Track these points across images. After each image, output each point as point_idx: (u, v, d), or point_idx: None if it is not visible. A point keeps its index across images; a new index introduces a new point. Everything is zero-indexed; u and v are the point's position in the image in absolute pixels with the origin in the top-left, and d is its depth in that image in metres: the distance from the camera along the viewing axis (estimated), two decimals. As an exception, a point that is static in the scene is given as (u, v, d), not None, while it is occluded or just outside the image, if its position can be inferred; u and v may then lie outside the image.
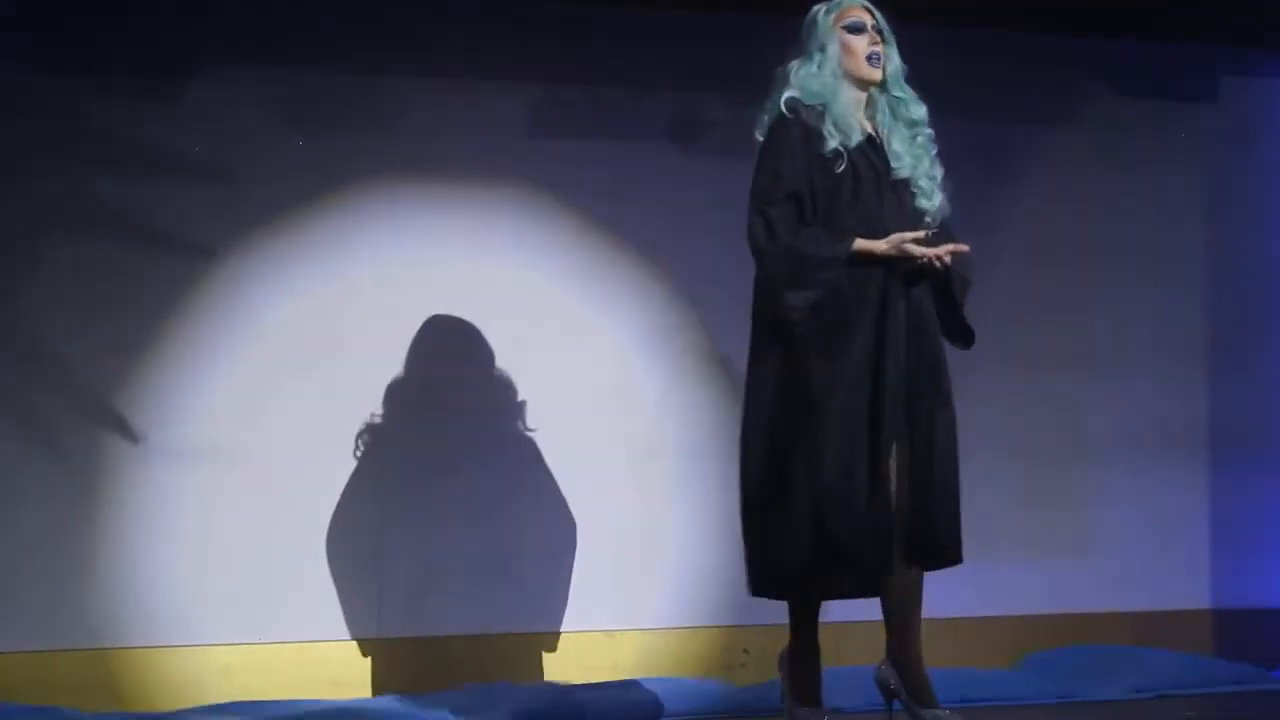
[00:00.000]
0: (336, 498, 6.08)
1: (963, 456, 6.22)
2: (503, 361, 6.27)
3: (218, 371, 6.03)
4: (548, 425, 6.28)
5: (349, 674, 6.01)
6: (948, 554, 4.90)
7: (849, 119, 4.93)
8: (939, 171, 5.03)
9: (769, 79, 6.16)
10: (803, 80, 4.97)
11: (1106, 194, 6.94)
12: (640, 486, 6.36)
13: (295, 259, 6.13)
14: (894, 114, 5.01)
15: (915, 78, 5.82)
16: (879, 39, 5.02)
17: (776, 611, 6.13)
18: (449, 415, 6.23)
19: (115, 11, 6.01)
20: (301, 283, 6.12)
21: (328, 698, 5.87)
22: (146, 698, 5.80)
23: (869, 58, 4.99)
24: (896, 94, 5.04)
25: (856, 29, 5.00)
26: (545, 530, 6.27)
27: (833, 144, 4.89)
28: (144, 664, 5.87)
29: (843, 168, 4.88)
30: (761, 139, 4.99)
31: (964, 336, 5.06)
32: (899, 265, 4.83)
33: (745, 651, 6.34)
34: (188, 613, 5.91)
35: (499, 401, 6.26)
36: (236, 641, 5.94)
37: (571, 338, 6.35)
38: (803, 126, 4.91)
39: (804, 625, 5.03)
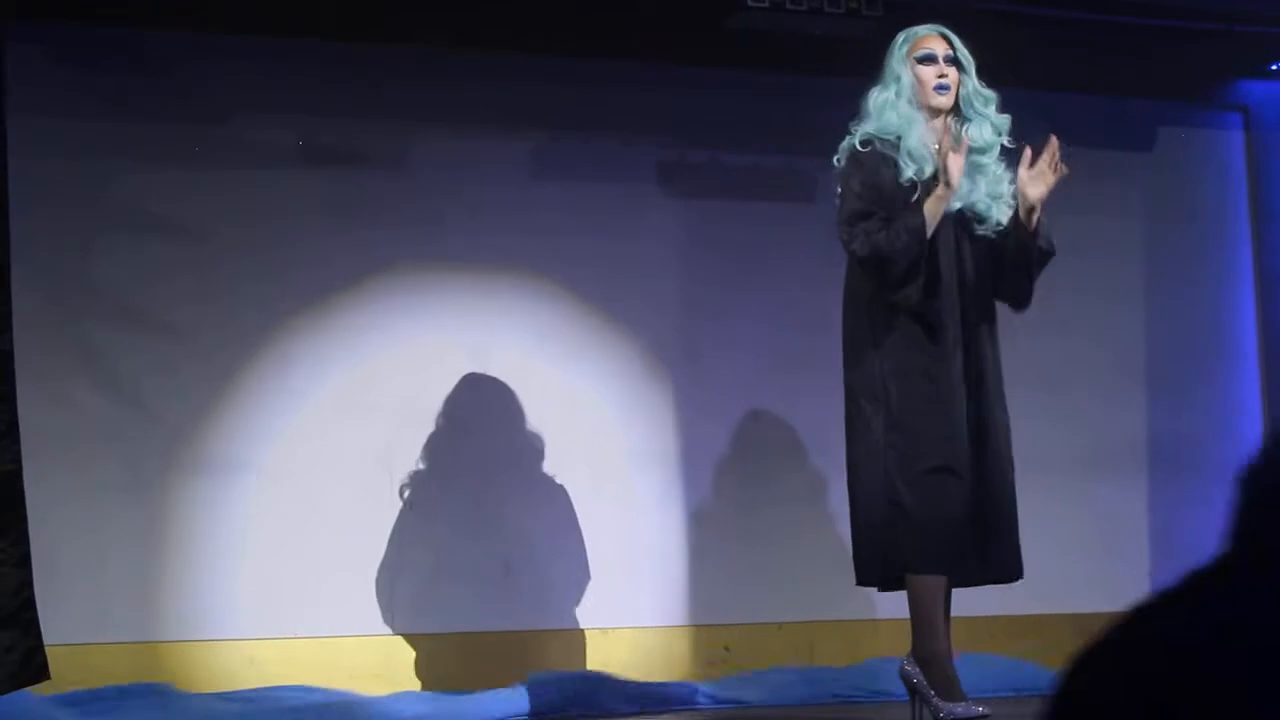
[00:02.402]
0: (359, 507, 6.39)
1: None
2: (509, 382, 6.60)
3: (255, 393, 6.37)
4: (549, 440, 6.62)
5: (366, 667, 6.26)
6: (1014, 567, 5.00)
7: (922, 150, 4.96)
8: (1003, 190, 5.06)
9: (753, 127, 6.61)
10: (879, 111, 5.03)
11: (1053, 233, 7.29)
12: (631, 494, 6.70)
13: (322, 297, 6.47)
14: (962, 139, 5.01)
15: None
16: (949, 68, 5.05)
17: (755, 612, 6.56)
18: (459, 433, 6.53)
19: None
20: (329, 317, 6.46)
21: (344, 688, 6.10)
22: (188, 687, 6.01)
23: (937, 86, 5.01)
24: (969, 117, 5.06)
25: (927, 60, 5.04)
26: (545, 536, 6.57)
27: (908, 173, 4.94)
28: (185, 656, 6.15)
29: (917, 196, 4.94)
30: (841, 166, 5.05)
31: (1023, 298, 5.16)
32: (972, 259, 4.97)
33: (726, 649, 6.67)
34: (223, 610, 6.21)
35: (503, 418, 6.58)
36: (265, 636, 6.22)
37: (571, 361, 6.69)
38: (878, 157, 4.97)
39: (927, 621, 4.94)
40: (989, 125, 5.07)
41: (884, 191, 4.97)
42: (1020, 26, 6.89)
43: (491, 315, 6.66)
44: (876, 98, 5.07)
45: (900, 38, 5.14)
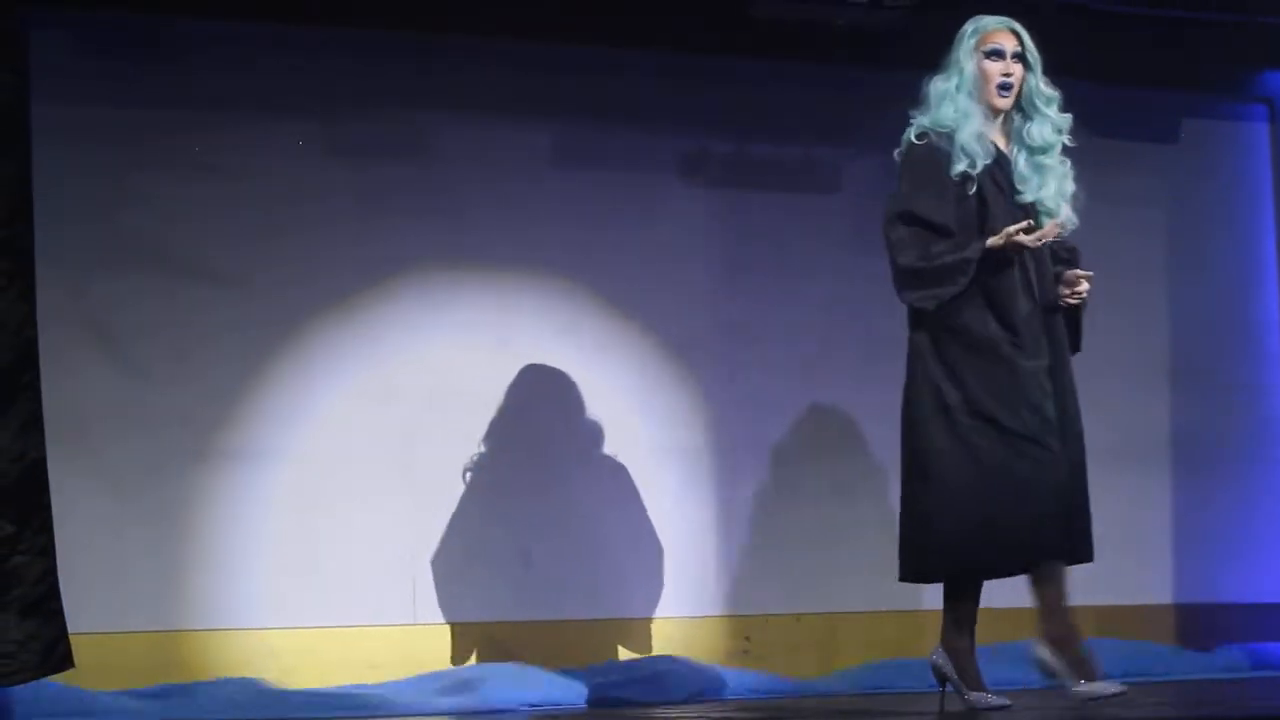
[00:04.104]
0: (377, 497, 6.41)
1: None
2: (531, 374, 6.62)
3: (271, 382, 6.38)
4: (568, 431, 6.64)
5: (385, 656, 6.27)
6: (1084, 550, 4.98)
7: (976, 144, 4.95)
8: (1070, 187, 5.09)
9: (776, 117, 6.62)
10: (937, 101, 5.02)
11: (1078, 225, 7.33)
12: (652, 486, 6.70)
13: (339, 284, 6.48)
14: (1022, 137, 5.04)
15: (892, 119, 6.22)
16: (1015, 66, 5.03)
17: (774, 602, 6.59)
18: (477, 423, 6.54)
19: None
20: (345, 304, 6.48)
21: (365, 680, 6.18)
22: (206, 674, 6.07)
23: (1000, 86, 5.00)
24: (1030, 116, 5.05)
25: (995, 55, 5.02)
26: (565, 527, 6.59)
27: (960, 168, 4.94)
28: (207, 644, 6.19)
29: (972, 190, 4.95)
30: (899, 159, 5.07)
31: (1076, 342, 5.16)
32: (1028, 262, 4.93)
33: (747, 639, 6.69)
34: (244, 599, 6.24)
35: (526, 410, 6.60)
36: (285, 625, 6.25)
37: (594, 353, 6.71)
38: (933, 150, 4.97)
39: (968, 615, 5.02)
40: (1050, 125, 5.06)
41: (939, 187, 4.96)
42: (1045, 17, 6.84)
43: (513, 306, 6.69)
44: (937, 87, 5.07)
45: (969, 28, 5.11)
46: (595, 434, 6.67)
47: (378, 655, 6.30)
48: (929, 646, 6.53)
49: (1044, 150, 5.04)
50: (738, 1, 6.52)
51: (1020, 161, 5.03)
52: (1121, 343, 7.24)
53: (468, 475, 6.53)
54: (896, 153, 5.08)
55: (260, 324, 6.39)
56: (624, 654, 6.54)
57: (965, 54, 5.05)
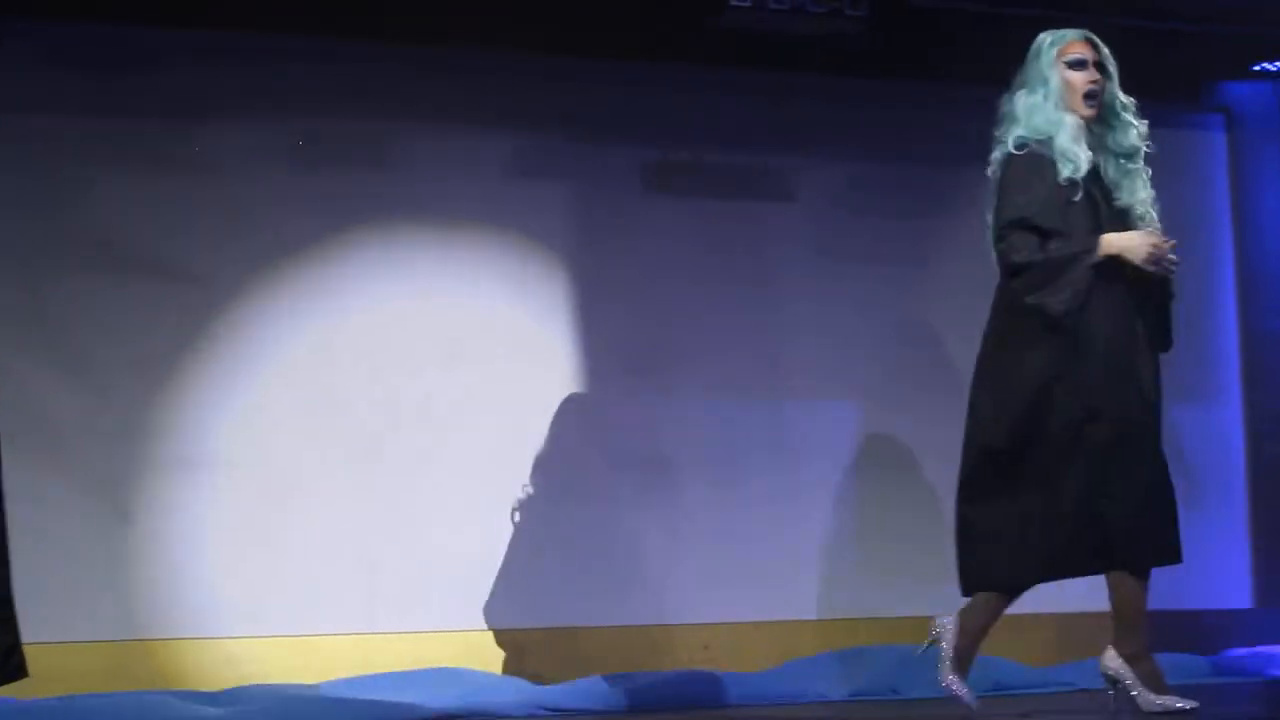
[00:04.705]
0: (333, 505, 6.39)
1: (904, 470, 6.72)
2: (488, 382, 6.61)
3: (226, 388, 6.35)
4: (525, 440, 6.63)
5: (342, 665, 6.22)
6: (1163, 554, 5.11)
7: (1074, 150, 5.05)
8: (1149, 193, 5.21)
9: (737, 127, 6.63)
10: (1028, 115, 5.11)
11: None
12: (611, 494, 6.70)
13: (297, 289, 6.46)
14: (1107, 143, 5.16)
15: (865, 128, 6.22)
16: (1098, 75, 5.15)
17: (734, 610, 6.59)
18: (433, 432, 6.54)
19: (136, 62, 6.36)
20: (302, 312, 6.46)
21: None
22: (163, 685, 6.03)
23: (1087, 95, 5.11)
24: (1112, 124, 5.17)
25: (1078, 65, 5.13)
26: (524, 535, 6.56)
27: (1067, 173, 5.03)
28: (160, 654, 6.15)
29: (1079, 195, 5.04)
30: (995, 175, 5.14)
31: (1166, 341, 5.27)
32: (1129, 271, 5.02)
33: (705, 648, 6.68)
34: (195, 608, 6.20)
35: (482, 419, 6.59)
36: (239, 635, 6.20)
37: (553, 362, 6.71)
38: (1036, 158, 5.05)
39: (998, 611, 5.14)
40: (1133, 130, 5.19)
41: (1046, 194, 5.04)
42: (1003, 27, 6.90)
43: (471, 315, 6.67)
44: (1024, 101, 5.15)
45: (1047, 40, 5.21)
46: (552, 443, 6.67)
47: (333, 663, 6.26)
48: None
49: (1130, 155, 5.17)
50: (698, 12, 6.52)
51: (1110, 168, 5.15)
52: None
53: (423, 484, 6.52)
54: (990, 169, 5.17)
55: (215, 331, 6.37)
56: (585, 663, 6.50)
57: (1047, 66, 5.15)
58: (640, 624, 6.69)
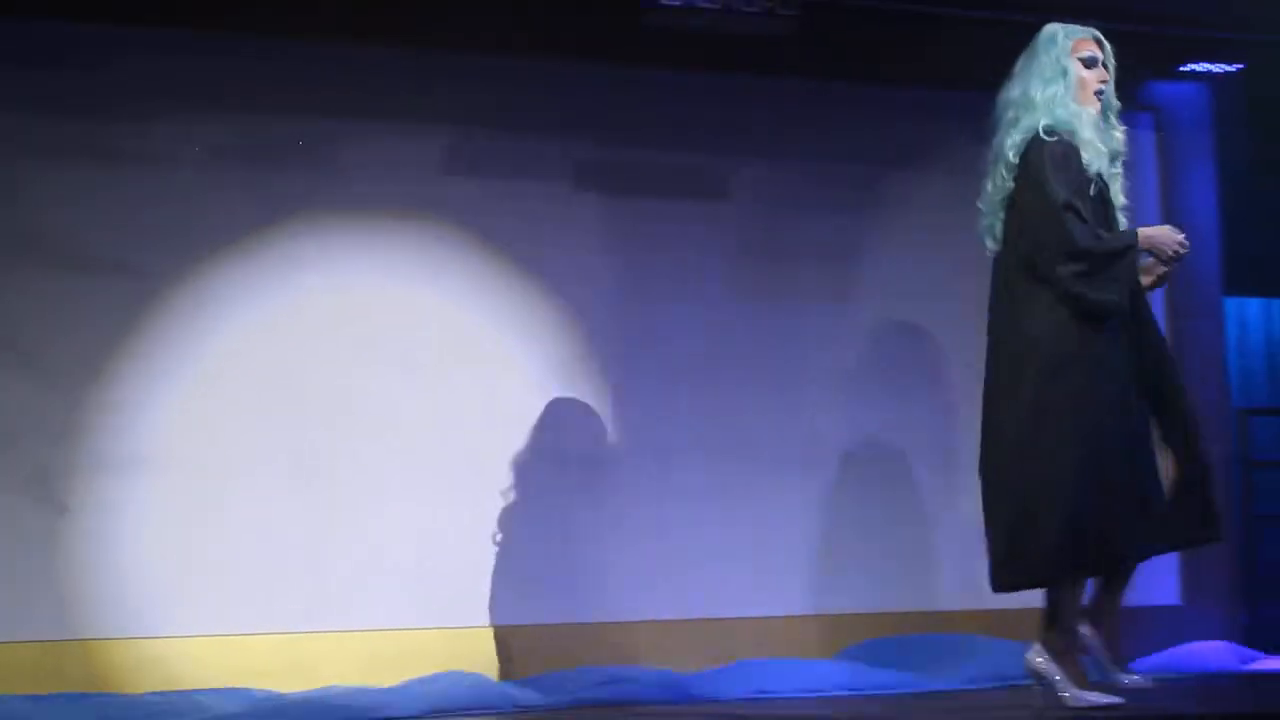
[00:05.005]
0: (271, 503, 6.40)
1: (832, 469, 6.71)
2: (425, 381, 6.63)
3: (164, 387, 6.34)
4: (459, 439, 6.63)
5: (275, 665, 6.24)
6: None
7: (1097, 143, 5.16)
8: None
9: (670, 126, 6.63)
10: (1048, 105, 5.17)
11: (966, 233, 7.31)
12: (549, 493, 6.72)
13: (234, 286, 6.46)
14: (1103, 141, 5.21)
15: (797, 127, 6.19)
16: (1107, 75, 5.26)
17: (665, 608, 6.56)
18: (371, 432, 6.55)
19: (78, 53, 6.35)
20: (241, 309, 6.45)
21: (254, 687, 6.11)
22: (91, 686, 6.03)
23: (1096, 92, 5.22)
24: (1107, 124, 5.25)
25: (1091, 63, 5.23)
26: (463, 534, 6.58)
27: (1094, 165, 5.14)
28: (87, 655, 6.12)
29: (1095, 190, 5.13)
30: (1019, 159, 5.17)
31: None
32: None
33: (647, 645, 6.70)
34: (132, 608, 6.19)
35: (418, 418, 6.61)
36: (175, 635, 6.20)
37: (487, 361, 6.72)
38: (1067, 146, 5.12)
39: (1075, 614, 5.11)
40: (1121, 132, 5.29)
41: (1079, 180, 5.11)
42: (933, 27, 6.95)
43: (405, 313, 6.68)
44: (1044, 92, 5.20)
45: (1059, 33, 5.28)
46: (486, 441, 6.68)
47: (269, 663, 6.27)
48: (828, 649, 6.71)
49: (1118, 157, 5.27)
50: (630, 10, 6.52)
51: (1105, 166, 5.22)
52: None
53: (362, 484, 6.52)
54: (1014, 150, 5.18)
55: (153, 328, 6.37)
56: (528, 661, 6.56)
57: (1063, 57, 5.22)
58: (584, 621, 6.72)
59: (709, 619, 6.86)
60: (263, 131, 6.52)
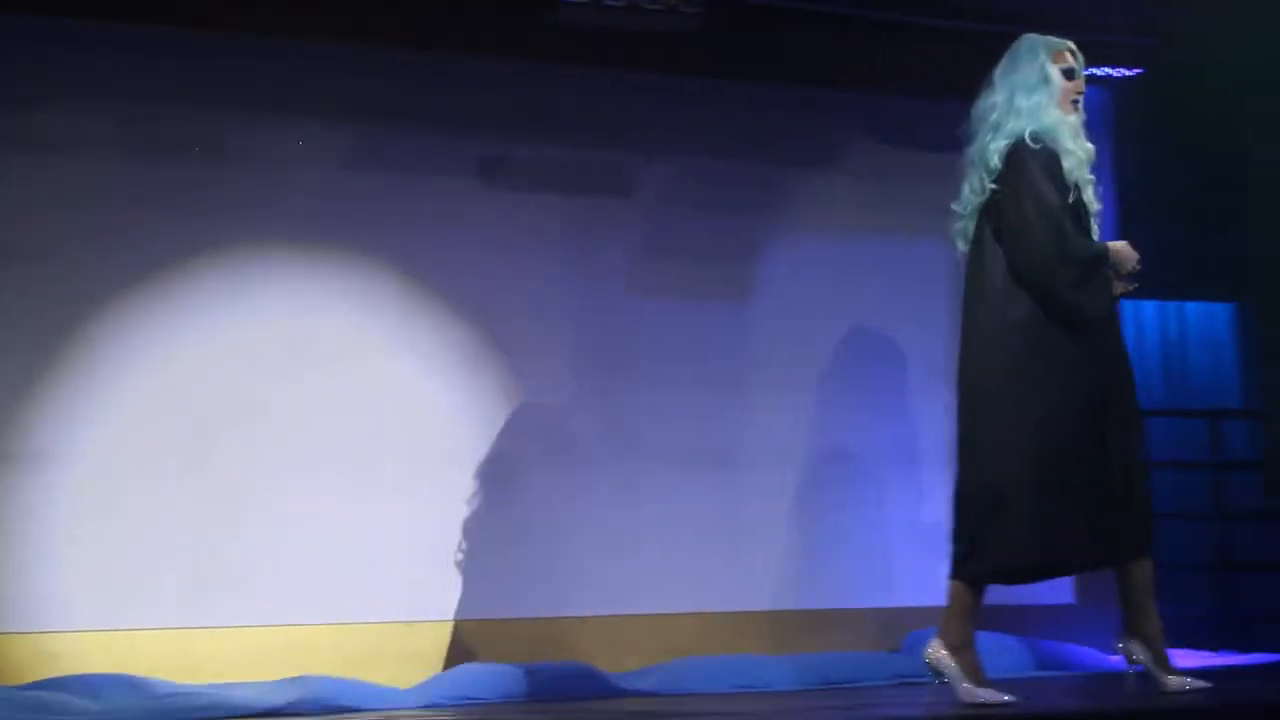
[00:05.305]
0: (161, 500, 6.34)
1: (740, 467, 6.73)
2: (327, 375, 6.58)
3: (54, 383, 6.27)
4: (361, 433, 6.60)
5: (163, 660, 6.19)
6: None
7: (1077, 152, 5.28)
8: None
9: (569, 123, 6.63)
10: (1032, 113, 5.28)
11: (868, 234, 7.39)
12: (445, 490, 6.69)
13: (130, 280, 6.38)
14: (1081, 149, 5.33)
15: (701, 125, 6.19)
16: (1083, 85, 5.41)
17: (562, 606, 6.57)
18: (271, 424, 6.49)
19: None
20: (137, 304, 6.38)
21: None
22: None
23: (1073, 102, 5.35)
24: (1080, 136, 5.36)
25: (1070, 74, 5.36)
26: (355, 531, 6.53)
27: (1074, 174, 5.25)
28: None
29: (1074, 197, 5.25)
30: (1015, 157, 5.26)
31: None
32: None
33: (543, 640, 6.68)
34: (16, 602, 6.12)
35: (318, 411, 6.56)
36: (62, 629, 6.13)
37: (389, 356, 6.68)
38: (1050, 154, 5.23)
39: (972, 611, 5.20)
40: (1089, 141, 5.38)
41: (1061, 187, 5.21)
42: (838, 28, 6.97)
43: (310, 307, 6.63)
44: (1029, 99, 5.31)
45: (1039, 42, 5.41)
46: (388, 436, 6.65)
47: (157, 659, 6.22)
48: (719, 646, 6.73)
49: (1091, 163, 5.35)
50: (537, 6, 6.52)
51: (1081, 173, 5.31)
52: (909, 350, 7.42)
53: (254, 482, 6.47)
54: (998, 154, 5.26)
55: (50, 321, 6.30)
56: (414, 659, 6.51)
57: (1047, 65, 5.34)
58: (476, 618, 6.69)
59: (613, 616, 6.86)
60: (155, 122, 6.45)
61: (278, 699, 5.84)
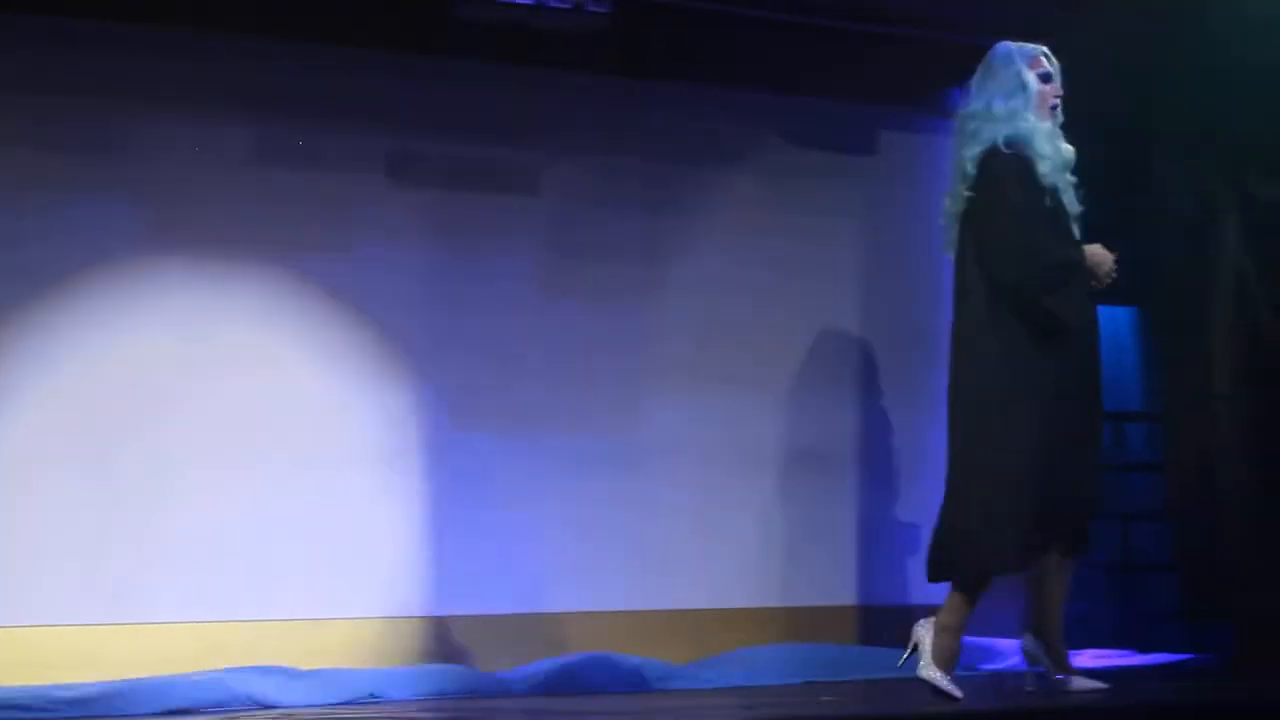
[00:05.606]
0: (61, 497, 6.28)
1: (643, 466, 6.74)
2: (226, 373, 6.53)
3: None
4: (264, 432, 6.57)
5: (58, 657, 6.12)
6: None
7: (1054, 159, 5.40)
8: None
9: (474, 120, 6.63)
10: (1009, 117, 5.41)
11: (777, 233, 7.39)
12: (342, 490, 6.64)
13: (19, 274, 6.30)
14: (1058, 153, 5.47)
15: (607, 125, 6.20)
16: (1059, 89, 5.50)
17: (476, 602, 6.61)
18: (169, 421, 6.44)
19: None
20: (30, 298, 6.32)
21: (36, 682, 5.95)
22: None
23: (1053, 107, 5.47)
24: (1057, 140, 5.48)
25: (1047, 79, 5.47)
26: (257, 529, 6.50)
27: (1051, 179, 5.38)
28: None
29: (1051, 202, 5.37)
30: (978, 170, 5.41)
31: None
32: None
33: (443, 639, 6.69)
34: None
35: (219, 410, 6.51)
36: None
37: (290, 353, 6.64)
38: (1024, 160, 5.37)
39: (971, 605, 5.40)
40: (1069, 145, 5.50)
41: (1035, 192, 5.33)
42: (747, 29, 7.00)
43: (210, 306, 6.58)
44: (1005, 106, 5.41)
45: (1014, 49, 5.51)
46: (292, 435, 6.62)
47: (51, 655, 6.16)
48: (641, 646, 6.74)
49: (1070, 167, 5.48)
50: (444, 3, 6.50)
51: (1060, 177, 5.45)
52: (815, 350, 7.43)
53: (161, 474, 6.42)
54: (972, 162, 5.40)
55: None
56: (319, 656, 6.44)
57: (1024, 72, 5.44)
58: (384, 616, 6.68)
59: (518, 614, 6.86)
60: (54, 115, 6.38)
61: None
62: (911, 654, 5.41)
